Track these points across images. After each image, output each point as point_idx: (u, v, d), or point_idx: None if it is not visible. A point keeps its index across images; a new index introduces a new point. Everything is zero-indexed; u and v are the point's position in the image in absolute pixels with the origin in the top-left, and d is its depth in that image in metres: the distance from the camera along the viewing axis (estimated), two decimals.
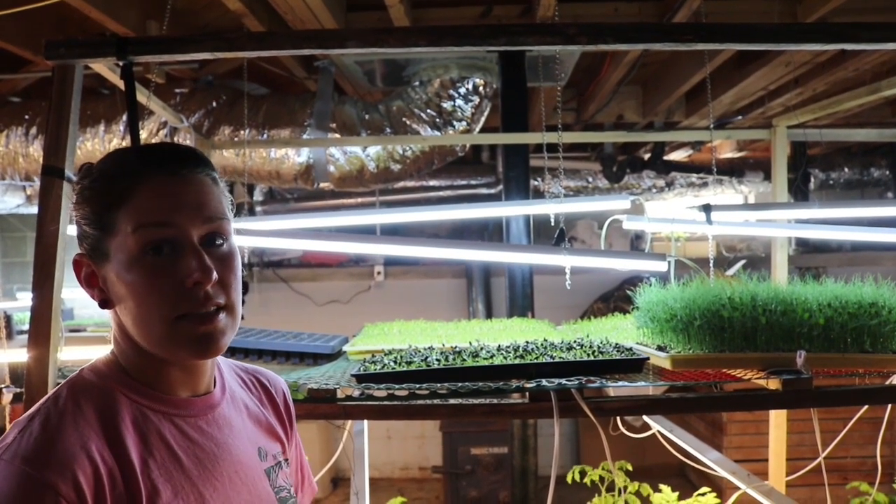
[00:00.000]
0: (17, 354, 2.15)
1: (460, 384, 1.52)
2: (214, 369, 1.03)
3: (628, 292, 1.77)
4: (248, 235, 2.26)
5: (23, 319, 4.22)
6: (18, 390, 1.66)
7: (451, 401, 1.53)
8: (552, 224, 2.26)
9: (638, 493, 2.29)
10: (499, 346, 1.74)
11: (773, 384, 1.51)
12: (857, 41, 1.63)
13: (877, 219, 2.89)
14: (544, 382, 1.50)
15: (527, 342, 1.76)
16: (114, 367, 0.95)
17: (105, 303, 0.94)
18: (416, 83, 3.89)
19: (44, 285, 1.47)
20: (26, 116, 4.01)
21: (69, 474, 0.80)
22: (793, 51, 3.39)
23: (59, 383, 1.52)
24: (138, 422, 0.90)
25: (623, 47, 1.62)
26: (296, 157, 3.95)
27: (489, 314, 6.06)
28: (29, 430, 0.84)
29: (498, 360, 1.58)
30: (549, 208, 2.35)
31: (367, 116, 3.92)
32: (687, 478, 5.68)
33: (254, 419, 1.07)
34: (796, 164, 5.57)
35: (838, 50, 2.74)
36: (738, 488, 2.19)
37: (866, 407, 2.31)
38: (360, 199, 5.75)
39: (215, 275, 0.90)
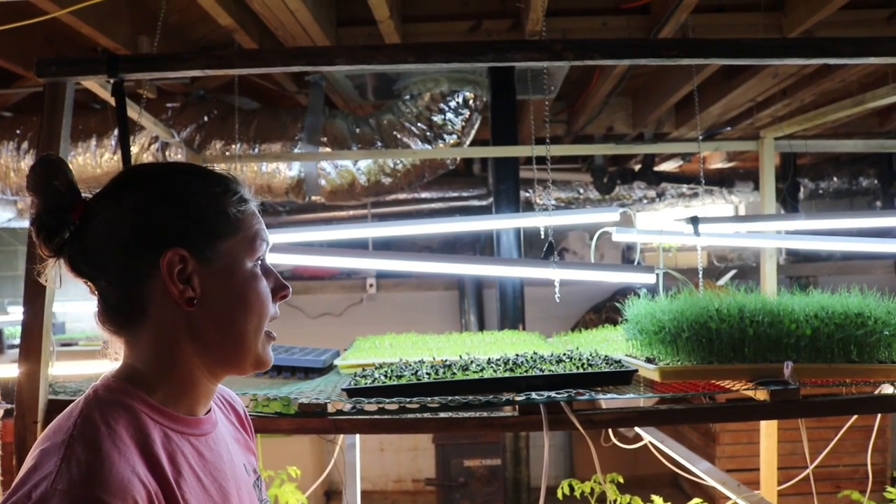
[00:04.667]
0: (9, 369, 2.15)
1: (450, 398, 1.53)
2: None
3: (617, 304, 1.78)
4: None
5: (14, 334, 4.20)
6: (9, 406, 1.66)
7: (442, 414, 1.54)
8: (542, 236, 2.27)
9: None
10: (489, 359, 1.75)
11: (761, 395, 1.52)
12: (841, 55, 1.66)
13: (867, 228, 2.91)
14: (534, 395, 1.51)
15: (517, 355, 1.77)
16: (130, 386, 0.90)
17: (191, 301, 0.90)
18: (407, 97, 3.91)
19: (35, 300, 1.47)
20: (18, 131, 4.01)
21: (130, 499, 0.77)
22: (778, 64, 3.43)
23: (50, 399, 1.53)
24: (165, 443, 0.88)
25: (609, 62, 1.64)
26: (287, 170, 3.96)
27: (482, 326, 6.06)
28: (74, 456, 0.79)
29: (488, 374, 1.59)
30: (538, 221, 2.37)
31: (357, 130, 3.93)
32: (680, 488, 5.68)
33: (234, 437, 1.08)
34: (785, 173, 5.61)
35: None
36: (731, 498, 2.20)
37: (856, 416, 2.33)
38: (352, 212, 5.75)
39: None
